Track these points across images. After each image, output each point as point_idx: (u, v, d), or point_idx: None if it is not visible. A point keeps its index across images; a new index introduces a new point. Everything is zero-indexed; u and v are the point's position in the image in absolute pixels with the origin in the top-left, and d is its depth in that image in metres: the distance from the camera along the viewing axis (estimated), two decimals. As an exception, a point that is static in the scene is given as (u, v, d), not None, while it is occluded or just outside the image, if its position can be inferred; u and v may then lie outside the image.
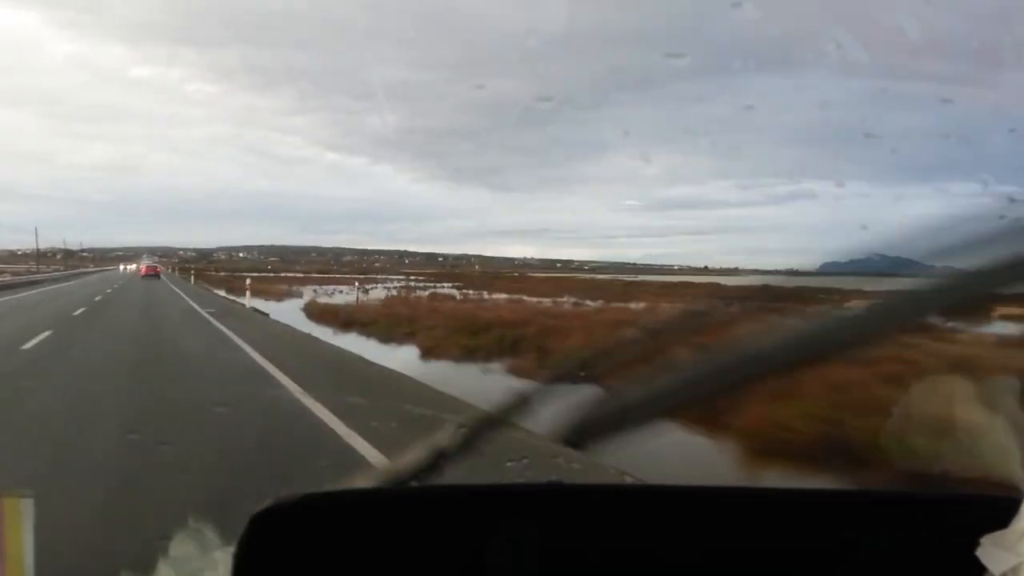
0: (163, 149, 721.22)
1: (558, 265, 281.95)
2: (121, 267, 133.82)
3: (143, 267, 74.83)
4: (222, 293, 40.80)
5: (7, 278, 53.34)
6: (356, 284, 43.22)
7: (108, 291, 36.69)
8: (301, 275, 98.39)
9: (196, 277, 63.41)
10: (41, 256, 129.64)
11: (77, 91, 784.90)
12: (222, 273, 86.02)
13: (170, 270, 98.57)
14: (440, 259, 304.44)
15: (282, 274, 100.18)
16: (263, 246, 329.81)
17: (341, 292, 44.77)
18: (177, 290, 41.17)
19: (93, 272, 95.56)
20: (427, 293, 44.97)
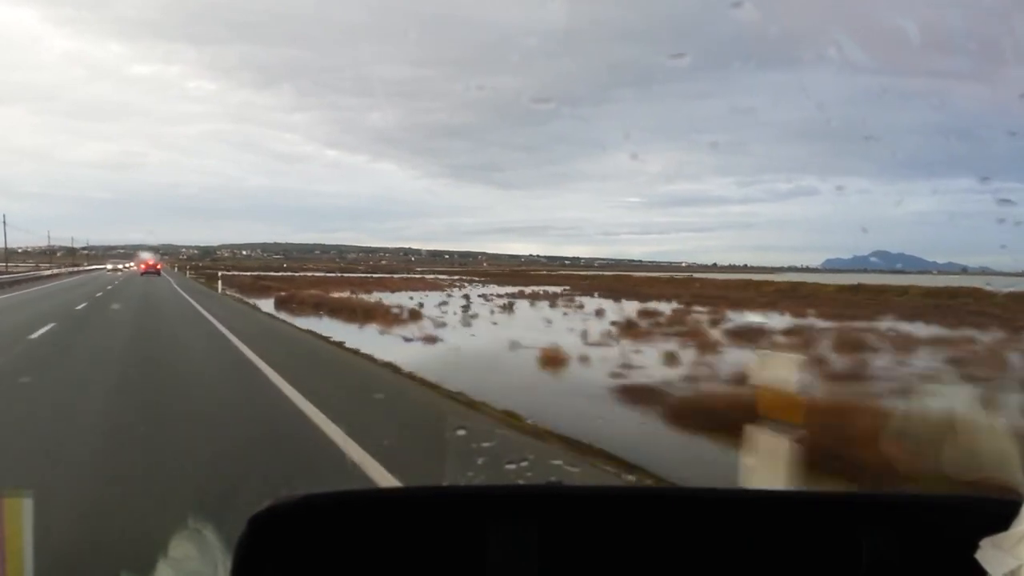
0: (163, 146, 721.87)
1: (566, 262, 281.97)
2: (109, 266, 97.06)
3: (141, 264, 59.10)
4: (318, 327, 19.38)
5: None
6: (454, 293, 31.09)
7: (45, 329, 14.69)
8: (332, 275, 76.91)
9: (218, 280, 40.95)
10: (42, 254, 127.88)
11: (74, 87, 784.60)
12: (235, 272, 63.68)
13: (175, 268, 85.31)
14: (446, 256, 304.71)
15: (299, 274, 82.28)
16: (266, 243, 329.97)
17: (459, 313, 26.66)
18: (217, 324, 17.21)
19: (76, 272, 70.74)
20: (625, 311, 27.35)
